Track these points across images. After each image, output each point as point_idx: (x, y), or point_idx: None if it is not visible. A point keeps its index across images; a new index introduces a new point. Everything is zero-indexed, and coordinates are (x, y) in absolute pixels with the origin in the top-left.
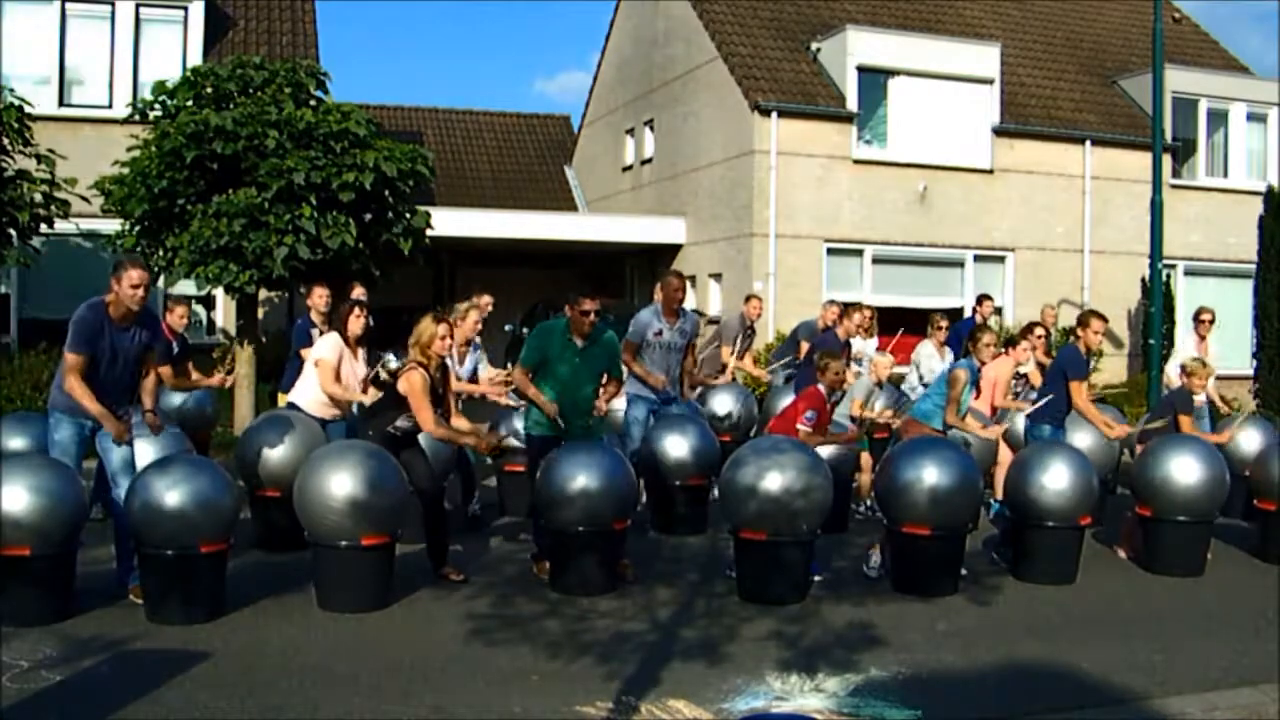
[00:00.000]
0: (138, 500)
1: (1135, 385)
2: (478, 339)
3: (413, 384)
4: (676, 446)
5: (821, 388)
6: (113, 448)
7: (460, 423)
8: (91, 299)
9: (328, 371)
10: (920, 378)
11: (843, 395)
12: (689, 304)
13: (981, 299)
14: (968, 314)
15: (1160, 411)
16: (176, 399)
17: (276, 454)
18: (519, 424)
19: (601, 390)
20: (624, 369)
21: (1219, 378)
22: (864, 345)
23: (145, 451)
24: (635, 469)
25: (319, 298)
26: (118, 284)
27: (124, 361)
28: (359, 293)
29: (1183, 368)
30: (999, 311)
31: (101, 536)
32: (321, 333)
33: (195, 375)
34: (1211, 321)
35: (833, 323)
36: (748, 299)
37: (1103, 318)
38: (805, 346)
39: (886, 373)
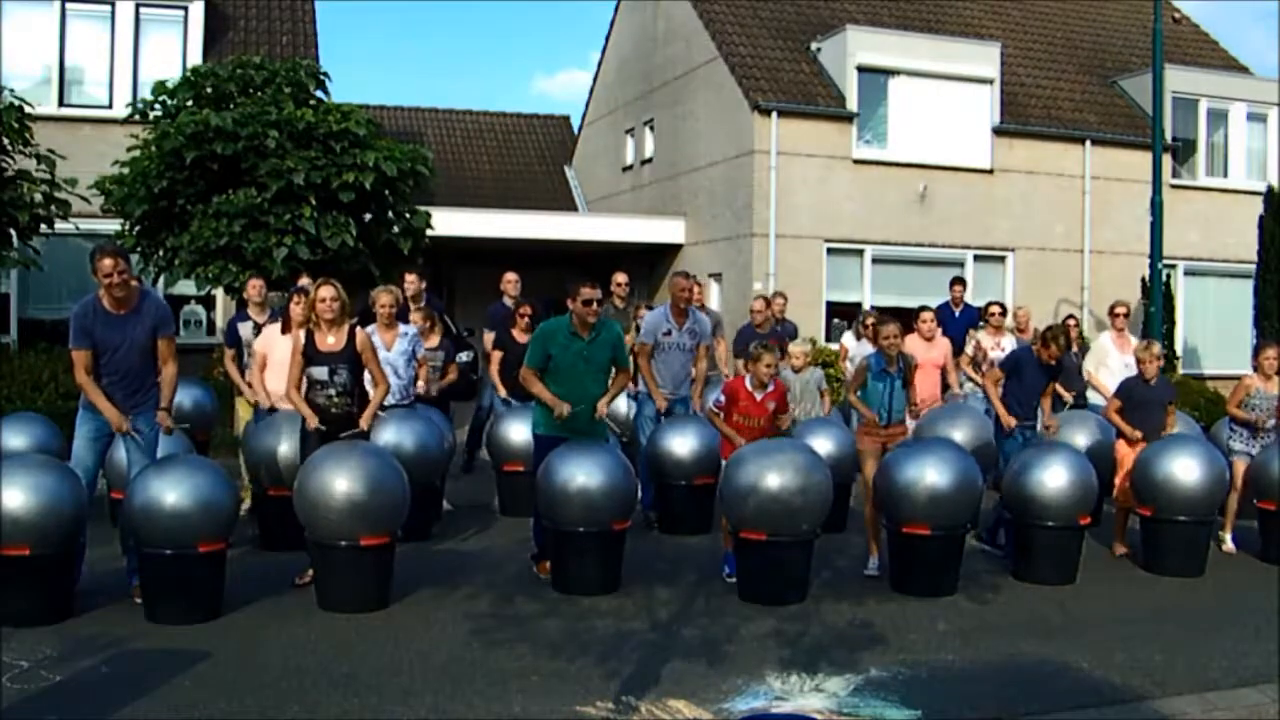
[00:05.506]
0: (137, 500)
1: None
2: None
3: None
4: (682, 446)
5: (747, 379)
6: (138, 435)
7: (300, 402)
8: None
9: (257, 362)
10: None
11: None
12: (713, 304)
13: (954, 282)
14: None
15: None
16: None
17: (284, 453)
18: (514, 423)
19: (610, 382)
20: (631, 362)
21: (1217, 377)
22: (858, 347)
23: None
24: (647, 467)
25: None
26: (94, 275)
27: (127, 351)
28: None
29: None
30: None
31: (101, 537)
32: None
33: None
34: (1126, 315)
35: (760, 315)
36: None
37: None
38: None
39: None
